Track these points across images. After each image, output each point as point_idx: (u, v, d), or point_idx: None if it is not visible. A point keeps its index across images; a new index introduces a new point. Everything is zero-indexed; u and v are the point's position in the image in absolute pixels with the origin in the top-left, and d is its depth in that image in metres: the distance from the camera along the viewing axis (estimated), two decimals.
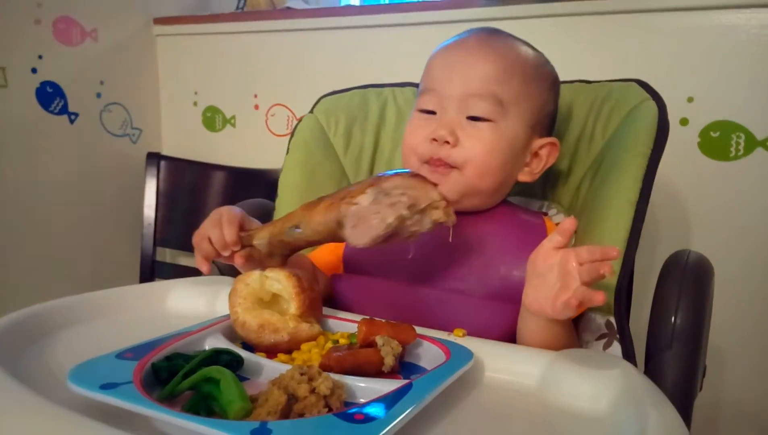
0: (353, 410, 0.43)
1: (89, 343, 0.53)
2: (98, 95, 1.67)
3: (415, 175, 0.63)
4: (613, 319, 0.68)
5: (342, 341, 0.60)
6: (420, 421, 0.47)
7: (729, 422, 1.21)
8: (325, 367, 0.51)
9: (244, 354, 0.55)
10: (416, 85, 0.79)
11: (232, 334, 0.60)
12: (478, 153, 0.72)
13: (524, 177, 0.78)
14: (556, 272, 0.59)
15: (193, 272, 1.68)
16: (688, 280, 0.66)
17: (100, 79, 1.66)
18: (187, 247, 1.70)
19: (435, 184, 0.63)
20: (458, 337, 0.62)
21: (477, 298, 0.71)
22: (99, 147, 1.68)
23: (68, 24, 1.58)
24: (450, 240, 0.65)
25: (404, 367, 0.57)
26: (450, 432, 0.48)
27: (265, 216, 0.91)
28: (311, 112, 0.98)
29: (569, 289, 0.57)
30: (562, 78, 0.87)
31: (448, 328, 0.64)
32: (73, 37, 1.59)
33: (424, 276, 0.74)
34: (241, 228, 0.68)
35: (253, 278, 0.62)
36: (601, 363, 0.56)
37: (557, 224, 0.80)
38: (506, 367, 0.58)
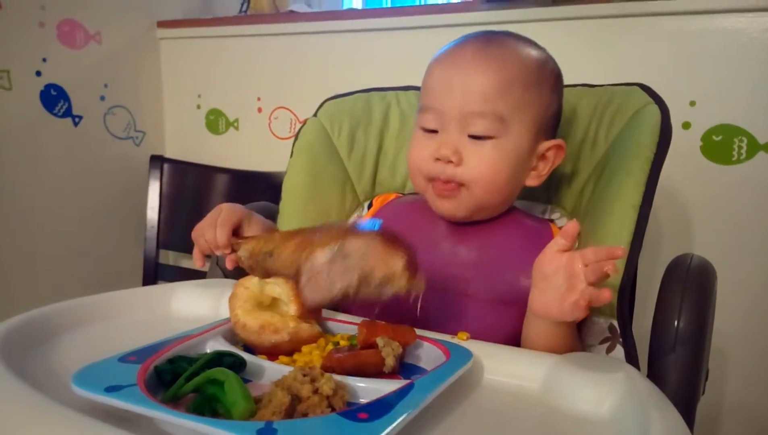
0: (357, 409, 0.44)
1: (94, 346, 0.53)
2: (102, 98, 1.67)
3: (385, 239, 0.56)
4: (616, 323, 0.68)
5: (342, 343, 0.61)
6: (421, 423, 0.48)
7: (731, 425, 1.21)
8: (327, 368, 0.52)
9: (246, 356, 0.55)
10: (419, 89, 0.79)
11: (233, 338, 0.61)
12: (484, 172, 0.72)
13: (532, 181, 0.78)
14: (562, 275, 0.59)
15: (197, 275, 1.68)
16: (691, 283, 0.66)
17: (104, 82, 1.67)
18: (191, 250, 1.70)
19: (407, 248, 0.56)
20: (462, 341, 0.62)
21: (481, 302, 0.71)
22: (103, 149, 1.69)
23: (72, 27, 1.58)
24: (417, 313, 0.60)
25: (404, 368, 0.58)
26: (451, 433, 0.48)
27: (270, 219, 0.92)
28: (315, 115, 0.98)
29: (576, 290, 0.57)
30: (565, 82, 0.87)
31: (452, 332, 0.64)
32: (77, 40, 1.60)
33: (428, 280, 0.74)
34: (237, 230, 0.68)
35: (252, 282, 0.63)
36: (605, 366, 0.56)
37: (561, 229, 0.81)
38: (510, 369, 0.58)
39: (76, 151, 1.62)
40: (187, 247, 1.68)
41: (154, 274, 1.65)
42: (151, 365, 0.50)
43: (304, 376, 0.48)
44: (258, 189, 1.60)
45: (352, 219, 0.96)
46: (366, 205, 0.96)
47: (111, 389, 0.45)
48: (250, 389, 0.49)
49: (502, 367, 0.58)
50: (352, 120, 0.97)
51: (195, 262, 0.71)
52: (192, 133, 1.82)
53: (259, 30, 1.66)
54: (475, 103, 0.71)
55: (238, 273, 0.79)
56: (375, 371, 0.54)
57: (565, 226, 0.61)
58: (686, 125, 1.17)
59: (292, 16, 1.63)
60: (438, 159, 0.73)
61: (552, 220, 0.84)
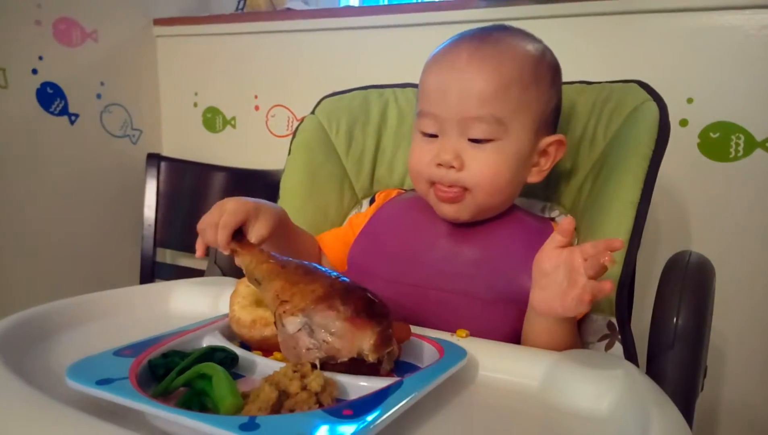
0: (342, 406, 0.44)
1: (91, 343, 0.53)
2: (98, 96, 1.67)
3: (354, 317, 0.52)
4: (614, 320, 0.68)
5: None
6: (420, 420, 0.48)
7: (729, 422, 1.22)
8: (321, 365, 0.52)
9: (239, 352, 0.56)
10: (417, 86, 0.79)
11: (230, 333, 0.61)
12: (486, 175, 0.72)
13: (533, 177, 0.77)
14: (562, 271, 0.59)
15: (194, 273, 1.68)
16: (690, 280, 0.66)
17: (100, 80, 1.66)
18: (188, 248, 1.71)
19: (380, 320, 0.53)
20: (461, 338, 0.62)
21: (482, 300, 0.71)
22: (99, 148, 1.68)
23: (68, 25, 1.58)
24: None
25: (400, 366, 0.58)
26: (446, 431, 0.48)
27: None
28: (312, 113, 0.98)
29: (578, 285, 0.57)
30: (562, 79, 0.87)
31: (452, 330, 0.64)
32: (73, 38, 1.59)
33: (429, 278, 0.75)
34: (242, 229, 0.68)
35: None
36: (604, 363, 0.57)
37: None
38: (509, 367, 0.58)
39: (73, 150, 1.62)
40: (184, 246, 1.69)
41: (151, 272, 1.64)
42: (144, 359, 0.51)
43: (295, 372, 0.49)
44: (255, 187, 1.60)
45: (353, 212, 0.96)
46: (368, 200, 0.96)
47: (102, 382, 0.45)
48: (242, 384, 0.49)
49: (501, 364, 0.58)
50: (350, 117, 0.97)
51: (197, 251, 0.70)
52: (189, 131, 1.81)
53: (255, 28, 1.66)
54: (473, 108, 0.71)
55: (237, 271, 0.79)
56: (370, 369, 0.54)
57: (561, 222, 0.61)
58: (684, 122, 1.17)
59: (289, 14, 1.62)
60: (440, 164, 0.73)
61: (553, 219, 0.84)
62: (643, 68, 1.18)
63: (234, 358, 0.54)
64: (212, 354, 0.53)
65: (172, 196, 1.66)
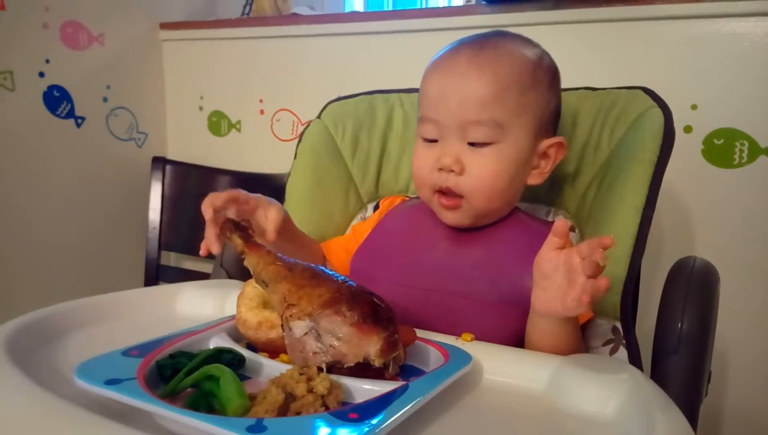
0: (348, 409, 0.45)
1: (98, 344, 0.54)
2: (105, 99, 1.67)
3: (361, 323, 0.53)
4: (619, 325, 0.68)
5: None
6: (424, 424, 0.48)
7: (733, 427, 1.22)
8: (328, 369, 0.52)
9: (246, 353, 0.56)
10: None
11: (237, 335, 0.62)
12: (485, 179, 0.72)
13: (534, 179, 0.78)
14: (562, 271, 0.60)
15: (198, 276, 1.68)
16: (695, 286, 0.67)
17: (106, 84, 1.67)
18: (192, 251, 1.71)
19: (386, 325, 0.53)
20: (466, 342, 0.62)
21: (484, 302, 0.72)
22: (105, 151, 1.69)
23: (75, 28, 1.59)
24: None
25: (405, 370, 0.58)
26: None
27: None
28: (318, 117, 0.99)
29: (577, 284, 0.57)
30: (567, 85, 0.87)
31: (457, 333, 0.64)
32: (80, 42, 1.60)
33: (432, 281, 0.75)
34: (249, 232, 0.68)
35: None
36: (608, 368, 0.57)
37: None
38: (514, 371, 0.58)
39: (79, 153, 1.63)
40: (188, 249, 1.69)
41: (156, 275, 1.65)
42: (152, 360, 0.51)
43: (301, 374, 0.49)
44: (260, 191, 1.58)
45: (356, 219, 0.96)
46: (372, 205, 0.97)
47: (110, 382, 0.46)
48: (249, 386, 0.50)
49: (506, 368, 0.59)
50: (356, 122, 0.98)
51: (201, 249, 0.71)
52: (194, 135, 1.82)
53: (261, 32, 1.67)
54: (472, 112, 0.71)
55: (242, 274, 0.79)
56: (375, 372, 0.54)
57: (555, 224, 0.61)
58: (688, 129, 1.18)
59: (295, 19, 1.63)
60: (441, 169, 0.73)
61: None
62: (647, 75, 1.18)
63: (241, 359, 0.55)
64: (219, 355, 0.54)
65: (177, 200, 1.67)
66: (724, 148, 1.16)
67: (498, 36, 0.77)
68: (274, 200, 0.76)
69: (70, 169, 1.61)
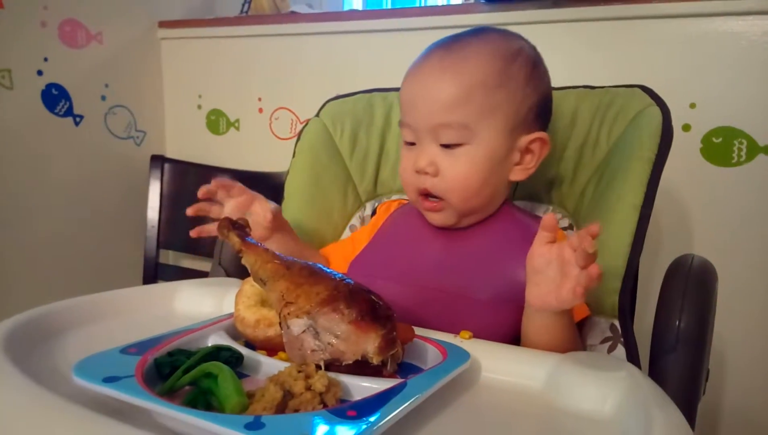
0: (346, 407, 0.45)
1: (97, 342, 0.54)
2: (103, 98, 1.67)
3: (359, 320, 0.53)
4: (617, 323, 0.69)
5: None
6: (423, 422, 0.48)
7: (731, 425, 1.22)
8: (326, 366, 0.52)
9: (244, 351, 0.56)
10: None
11: (235, 333, 0.62)
12: (459, 180, 0.73)
13: (517, 175, 0.77)
14: (555, 265, 0.60)
15: (196, 275, 1.68)
16: (693, 284, 0.67)
17: (105, 82, 1.67)
18: (191, 250, 1.71)
19: (384, 323, 0.53)
20: (464, 340, 0.62)
21: (479, 298, 0.72)
22: (103, 149, 1.69)
23: (74, 27, 1.59)
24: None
25: (403, 368, 0.58)
26: (450, 433, 0.48)
27: None
28: (317, 116, 0.99)
29: (571, 276, 0.58)
30: (565, 83, 0.88)
31: (454, 330, 0.64)
32: (78, 40, 1.60)
33: (426, 278, 0.75)
34: (246, 229, 0.68)
35: None
36: (606, 366, 0.57)
37: (563, 229, 0.81)
38: (512, 368, 0.58)
39: (77, 151, 1.63)
40: (187, 247, 1.69)
41: (154, 273, 1.65)
42: (150, 358, 0.51)
43: (299, 372, 0.49)
44: (259, 189, 1.58)
45: (354, 218, 0.96)
46: (369, 206, 0.97)
47: (108, 380, 0.46)
48: (247, 384, 0.50)
49: (504, 366, 0.59)
50: (354, 120, 0.98)
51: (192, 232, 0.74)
52: (193, 133, 1.82)
53: (260, 30, 1.67)
54: (438, 116, 0.72)
55: (240, 272, 0.79)
56: (374, 370, 0.54)
57: (544, 219, 0.61)
58: (686, 127, 1.18)
59: (293, 17, 1.63)
60: (418, 171, 0.75)
61: None
62: (646, 73, 1.18)
63: (239, 357, 0.55)
64: (217, 353, 0.54)
65: (175, 198, 1.67)
66: (722, 146, 1.16)
67: (471, 35, 0.77)
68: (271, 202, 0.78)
69: (68, 168, 1.61)
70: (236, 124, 1.76)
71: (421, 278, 0.76)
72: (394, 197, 0.97)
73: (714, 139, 1.17)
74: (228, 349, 0.55)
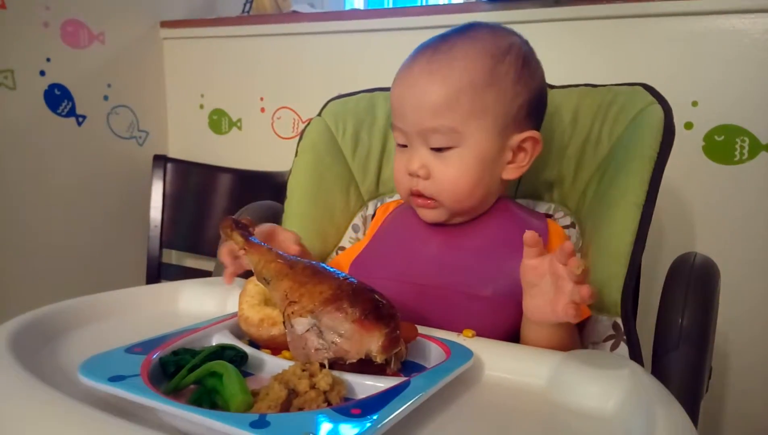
0: (350, 405, 0.45)
1: (101, 342, 0.54)
2: (105, 98, 1.68)
3: (363, 319, 0.53)
4: (620, 321, 0.69)
5: None
6: (427, 420, 0.48)
7: (734, 423, 1.22)
8: (330, 365, 0.52)
9: (248, 350, 0.56)
10: None
11: (239, 332, 0.62)
12: (449, 182, 0.74)
13: (510, 174, 0.77)
14: (549, 279, 0.60)
15: (199, 274, 1.69)
16: (695, 282, 0.67)
17: (107, 82, 1.68)
18: (193, 249, 1.72)
19: (388, 322, 0.53)
20: (468, 338, 0.63)
21: (483, 296, 0.72)
22: (106, 149, 1.69)
23: (76, 27, 1.59)
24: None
25: (407, 366, 0.58)
26: (453, 431, 0.48)
27: (274, 218, 0.93)
28: (319, 115, 0.99)
29: (565, 291, 0.57)
30: (566, 82, 0.88)
31: (455, 327, 0.65)
32: (80, 40, 1.60)
33: (426, 276, 0.75)
34: (250, 229, 0.69)
35: None
36: (609, 363, 0.57)
37: (564, 227, 0.82)
38: (515, 367, 0.58)
39: (80, 151, 1.63)
40: (190, 247, 1.70)
41: (157, 273, 1.65)
42: (155, 357, 0.51)
43: (303, 371, 0.49)
44: (261, 189, 1.61)
45: (356, 217, 0.96)
46: (372, 205, 0.97)
47: (114, 379, 0.46)
48: (251, 382, 0.50)
49: (507, 364, 0.59)
50: (356, 120, 0.98)
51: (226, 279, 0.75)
52: (195, 133, 1.82)
53: (261, 30, 1.67)
54: (426, 120, 0.73)
55: (244, 271, 0.79)
56: (377, 369, 0.55)
57: (525, 236, 0.60)
58: (688, 125, 1.18)
59: (295, 17, 1.63)
60: (410, 174, 0.75)
61: (550, 216, 0.84)
62: (648, 71, 1.18)
63: (243, 356, 0.55)
64: (222, 352, 0.54)
65: (178, 198, 1.67)
66: (724, 144, 1.16)
67: (459, 34, 0.77)
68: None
69: (71, 168, 1.61)
70: (238, 124, 1.76)
71: (420, 276, 0.76)
72: (395, 197, 0.97)
73: (716, 137, 1.17)
74: (232, 348, 0.55)
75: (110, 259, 1.72)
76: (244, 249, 0.65)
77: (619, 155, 0.77)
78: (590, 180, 0.83)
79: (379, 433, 0.41)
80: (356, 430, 0.41)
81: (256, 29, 1.68)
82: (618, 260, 0.69)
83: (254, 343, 0.61)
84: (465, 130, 0.72)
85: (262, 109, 1.71)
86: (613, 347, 0.68)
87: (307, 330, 0.54)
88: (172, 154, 1.81)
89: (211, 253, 1.56)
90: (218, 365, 0.49)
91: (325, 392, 0.48)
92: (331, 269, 0.59)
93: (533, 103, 0.77)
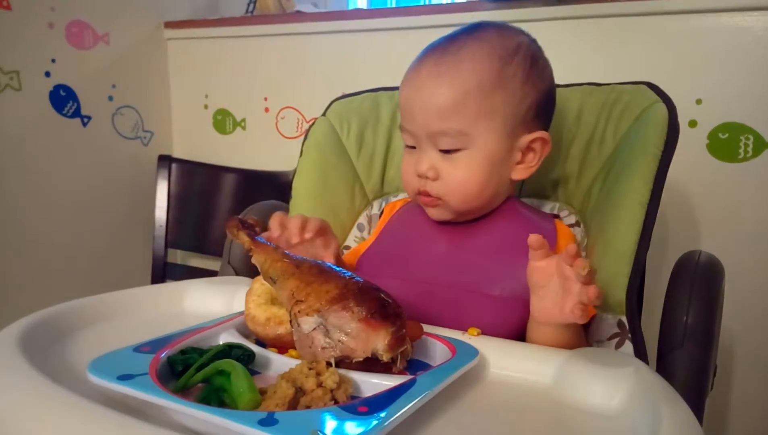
0: (357, 403, 0.45)
1: (109, 341, 0.54)
2: (110, 98, 1.68)
3: (369, 317, 0.53)
4: (624, 319, 0.69)
5: None
6: (432, 418, 0.49)
7: (738, 420, 1.22)
8: (336, 363, 0.53)
9: (255, 349, 0.57)
10: None
11: (246, 331, 0.62)
12: (458, 184, 0.74)
13: (519, 174, 0.77)
14: (556, 280, 0.60)
15: (205, 274, 1.69)
16: (700, 279, 0.67)
17: (112, 83, 1.68)
18: (199, 249, 1.72)
19: (394, 320, 0.54)
20: (473, 336, 0.63)
21: (489, 295, 0.72)
22: (111, 149, 1.70)
23: (81, 28, 1.60)
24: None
25: (412, 364, 0.58)
26: (459, 429, 0.49)
27: None
28: (324, 115, 0.99)
29: (573, 293, 0.58)
30: (570, 81, 0.88)
31: (462, 326, 0.65)
32: (85, 41, 1.61)
33: (433, 275, 0.76)
34: (257, 229, 0.69)
35: None
36: (614, 361, 0.57)
37: (569, 226, 0.82)
38: (520, 365, 0.59)
39: (85, 151, 1.64)
40: (195, 246, 1.70)
41: (163, 272, 1.66)
42: (163, 356, 0.52)
43: (310, 369, 0.50)
44: (265, 188, 1.62)
45: (361, 217, 0.97)
46: (377, 204, 0.97)
47: (123, 377, 0.46)
48: (258, 381, 0.50)
49: (512, 363, 0.59)
50: (361, 119, 0.98)
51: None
52: (199, 133, 1.83)
53: (265, 30, 1.67)
54: (434, 123, 0.73)
55: (249, 271, 0.80)
56: (383, 367, 0.55)
57: (529, 239, 0.61)
58: (693, 123, 1.18)
59: (298, 17, 1.63)
60: (419, 175, 0.76)
61: (557, 216, 0.84)
62: (651, 70, 1.18)
63: (251, 355, 0.55)
64: (229, 351, 0.54)
65: (183, 198, 1.68)
66: (729, 142, 1.16)
67: (467, 34, 0.76)
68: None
69: (76, 169, 1.62)
70: (243, 124, 1.77)
71: (427, 275, 0.76)
72: (400, 196, 0.97)
73: (720, 135, 1.17)
74: (239, 346, 0.55)
75: (116, 259, 1.72)
76: (251, 249, 0.65)
77: (624, 154, 0.77)
78: (595, 179, 0.83)
79: (385, 431, 0.42)
80: (363, 428, 0.41)
81: (259, 29, 1.68)
82: (623, 259, 0.69)
83: (261, 342, 0.61)
84: (473, 132, 0.73)
85: (266, 109, 1.71)
86: (618, 345, 0.68)
87: (314, 329, 0.54)
88: (176, 155, 1.82)
89: (217, 252, 1.56)
90: (226, 364, 0.49)
91: (331, 390, 0.48)
92: (337, 268, 0.59)
93: (542, 104, 0.77)
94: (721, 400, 1.22)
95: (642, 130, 0.76)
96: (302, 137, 0.99)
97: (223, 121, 1.79)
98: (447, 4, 1.42)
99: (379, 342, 0.53)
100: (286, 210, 0.95)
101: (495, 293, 0.72)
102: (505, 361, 0.59)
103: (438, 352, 0.60)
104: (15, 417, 0.44)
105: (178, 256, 1.77)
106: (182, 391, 0.49)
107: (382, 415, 0.43)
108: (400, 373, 0.55)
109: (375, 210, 0.97)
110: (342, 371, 0.51)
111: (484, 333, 0.64)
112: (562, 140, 0.85)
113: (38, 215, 1.55)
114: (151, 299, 0.73)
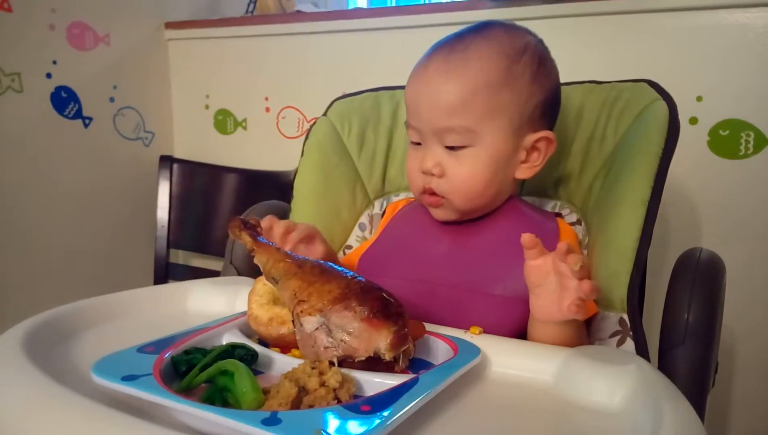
0: (360, 402, 0.45)
1: (112, 341, 0.55)
2: (111, 99, 1.68)
3: (371, 317, 0.53)
4: (626, 317, 0.69)
5: None
6: (434, 416, 0.49)
7: (740, 418, 1.22)
8: (339, 362, 0.53)
9: (258, 349, 0.57)
10: None
11: (249, 331, 0.63)
12: (463, 181, 0.74)
13: (523, 174, 0.78)
14: (553, 277, 0.61)
15: (207, 274, 1.70)
16: (701, 277, 0.67)
17: (113, 84, 1.68)
18: (201, 249, 1.72)
19: (396, 319, 0.54)
20: (475, 335, 0.63)
21: (491, 294, 0.72)
22: (112, 150, 1.70)
23: (82, 29, 1.60)
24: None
25: (414, 363, 0.59)
26: (462, 427, 0.49)
27: (281, 218, 0.93)
28: (324, 114, 1.00)
29: (570, 289, 0.58)
30: (571, 79, 0.88)
31: (464, 326, 0.65)
32: (86, 42, 1.61)
33: (435, 274, 0.76)
34: (258, 228, 0.69)
35: None
36: (616, 359, 0.57)
37: (571, 224, 0.82)
38: (522, 363, 0.59)
39: (87, 153, 1.64)
40: (197, 247, 1.70)
41: (165, 273, 1.66)
42: (167, 356, 0.52)
43: (313, 368, 0.50)
44: (267, 188, 1.62)
45: (363, 216, 0.97)
46: (378, 204, 0.97)
47: (127, 378, 0.47)
48: (261, 380, 0.51)
49: (514, 361, 0.59)
50: (362, 119, 0.98)
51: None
52: (201, 134, 1.83)
53: (266, 30, 1.67)
54: (441, 120, 0.73)
55: (252, 271, 0.80)
56: (386, 366, 0.55)
57: (522, 238, 0.61)
58: (693, 120, 1.18)
59: (299, 16, 1.64)
60: (424, 172, 0.76)
61: (560, 215, 0.85)
62: (652, 67, 1.18)
63: (254, 354, 0.56)
64: (233, 351, 0.54)
65: (184, 198, 1.68)
66: (729, 139, 1.16)
67: (475, 32, 0.76)
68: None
69: (78, 170, 1.62)
70: (244, 124, 1.77)
71: (429, 274, 0.76)
72: (401, 195, 0.97)
73: (721, 132, 1.17)
74: (242, 346, 0.56)
75: (118, 260, 1.73)
76: (253, 249, 0.65)
77: (625, 152, 0.77)
78: (596, 177, 0.83)
79: (388, 430, 0.42)
80: (366, 427, 0.41)
81: (260, 29, 1.68)
82: (624, 256, 0.69)
83: (264, 342, 0.61)
84: (480, 130, 0.73)
85: (267, 109, 1.72)
86: (620, 343, 0.69)
87: (316, 328, 0.54)
88: (178, 155, 1.82)
89: (219, 252, 1.56)
90: (229, 364, 0.50)
91: (334, 389, 0.49)
92: (340, 268, 0.59)
93: (548, 103, 0.77)
94: (722, 399, 1.22)
95: (642, 127, 0.76)
96: (303, 137, 0.99)
97: (224, 121, 1.79)
98: (447, 2, 1.41)
99: (381, 341, 0.53)
100: (288, 210, 0.95)
101: (497, 292, 0.72)
102: (506, 360, 0.59)
103: (440, 351, 0.60)
104: (19, 418, 0.44)
105: (180, 257, 1.77)
106: (186, 392, 0.49)
107: (385, 413, 0.43)
108: (402, 372, 0.55)
109: (376, 209, 0.97)
110: (345, 370, 0.51)
111: (486, 332, 0.64)
112: (563, 138, 0.85)
113: (40, 217, 1.55)
114: (153, 300, 0.73)
